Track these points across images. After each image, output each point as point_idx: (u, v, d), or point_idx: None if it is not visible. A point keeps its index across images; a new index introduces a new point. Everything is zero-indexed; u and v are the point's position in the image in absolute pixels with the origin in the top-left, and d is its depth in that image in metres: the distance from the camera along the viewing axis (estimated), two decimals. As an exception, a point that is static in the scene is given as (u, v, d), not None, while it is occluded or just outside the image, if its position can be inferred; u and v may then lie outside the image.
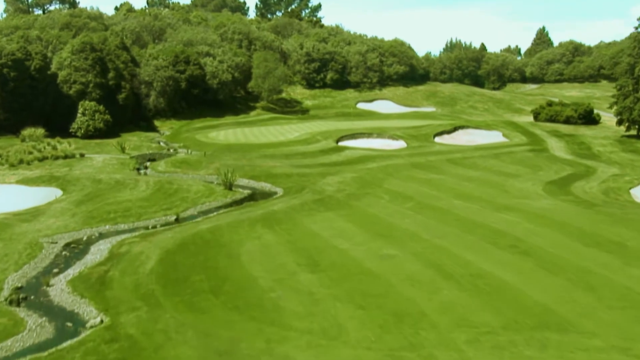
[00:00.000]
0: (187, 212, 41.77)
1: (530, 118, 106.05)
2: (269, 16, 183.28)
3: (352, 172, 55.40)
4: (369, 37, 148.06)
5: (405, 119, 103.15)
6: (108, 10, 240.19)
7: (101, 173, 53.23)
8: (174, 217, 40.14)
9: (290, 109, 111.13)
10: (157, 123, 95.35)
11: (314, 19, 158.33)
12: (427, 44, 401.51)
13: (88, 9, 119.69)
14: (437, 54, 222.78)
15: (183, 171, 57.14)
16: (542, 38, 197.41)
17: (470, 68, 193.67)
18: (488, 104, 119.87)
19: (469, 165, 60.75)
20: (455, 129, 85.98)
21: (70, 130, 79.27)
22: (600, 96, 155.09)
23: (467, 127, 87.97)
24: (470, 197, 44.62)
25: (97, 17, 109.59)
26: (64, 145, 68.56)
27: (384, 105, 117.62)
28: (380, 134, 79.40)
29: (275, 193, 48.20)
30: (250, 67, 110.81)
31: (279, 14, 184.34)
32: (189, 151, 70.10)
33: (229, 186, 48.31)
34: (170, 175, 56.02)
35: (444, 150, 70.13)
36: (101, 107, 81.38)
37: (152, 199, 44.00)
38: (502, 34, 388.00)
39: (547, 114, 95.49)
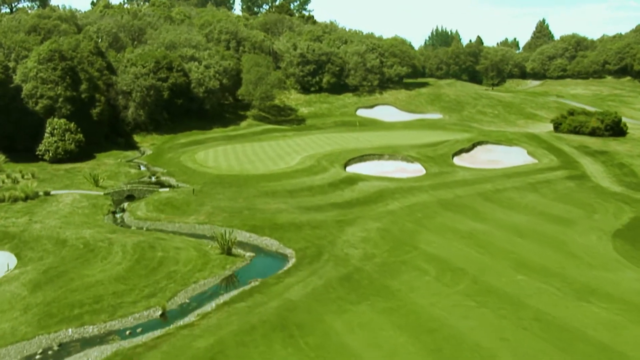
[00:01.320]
0: (176, 298, 31.99)
1: (548, 126, 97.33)
2: (255, 9, 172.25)
3: (374, 220, 45.90)
4: (364, 33, 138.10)
5: (411, 129, 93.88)
6: (84, 6, 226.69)
7: (68, 226, 43.07)
8: (160, 311, 30.37)
9: (284, 117, 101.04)
10: (136, 138, 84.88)
11: (305, 14, 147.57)
12: (408, 32, 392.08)
13: (60, 7, 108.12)
14: (422, 43, 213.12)
15: (168, 218, 47.21)
16: (542, 31, 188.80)
17: (467, 63, 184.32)
18: (497, 108, 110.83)
19: (508, 204, 51.56)
20: (473, 145, 76.75)
21: (37, 153, 68.80)
22: (608, 94, 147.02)
23: (486, 142, 78.79)
24: (534, 267, 35.44)
25: (69, 17, 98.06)
26: (27, 179, 58.03)
27: (385, 111, 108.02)
28: (392, 155, 69.89)
29: (286, 258, 38.57)
30: (239, 71, 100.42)
31: (265, 7, 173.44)
32: (175, 183, 60.03)
33: (228, 250, 38.54)
34: (153, 224, 46.15)
35: (469, 178, 60.82)
36: (72, 125, 70.85)
37: (130, 277, 34.10)
38: (485, 19, 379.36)
39: (569, 124, 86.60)
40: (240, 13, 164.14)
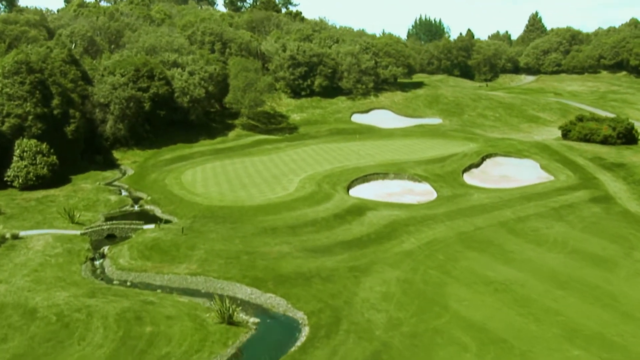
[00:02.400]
0: (170, 397, 26.16)
1: (554, 131, 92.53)
2: (239, 4, 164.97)
3: (391, 266, 40.38)
4: (355, 30, 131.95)
5: (412, 136, 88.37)
6: (57, 4, 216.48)
7: (39, 287, 36.83)
8: (150, 421, 24.50)
9: (275, 125, 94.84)
10: (116, 155, 78.22)
11: (293, 11, 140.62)
12: (391, 22, 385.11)
13: (30, 7, 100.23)
14: (406, 32, 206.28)
15: (155, 267, 41.18)
16: (535, 24, 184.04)
17: (460, 58, 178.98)
18: (498, 110, 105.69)
19: (535, 237, 46.34)
20: (482, 159, 71.43)
21: (6, 179, 62.23)
22: (605, 91, 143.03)
23: (495, 154, 73.51)
24: (589, 336, 30.37)
25: (39, 21, 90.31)
26: (-8, 215, 51.47)
27: (382, 116, 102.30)
28: (397, 173, 64.31)
29: (296, 325, 32.84)
30: (225, 76, 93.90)
31: (249, 1, 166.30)
32: (160, 214, 53.91)
33: (228, 318, 32.66)
34: (139, 276, 40.22)
35: (485, 202, 55.51)
36: (44, 146, 64.17)
37: (113, 366, 28.16)
38: (470, 8, 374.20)
39: (579, 132, 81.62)
40: (224, 9, 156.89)
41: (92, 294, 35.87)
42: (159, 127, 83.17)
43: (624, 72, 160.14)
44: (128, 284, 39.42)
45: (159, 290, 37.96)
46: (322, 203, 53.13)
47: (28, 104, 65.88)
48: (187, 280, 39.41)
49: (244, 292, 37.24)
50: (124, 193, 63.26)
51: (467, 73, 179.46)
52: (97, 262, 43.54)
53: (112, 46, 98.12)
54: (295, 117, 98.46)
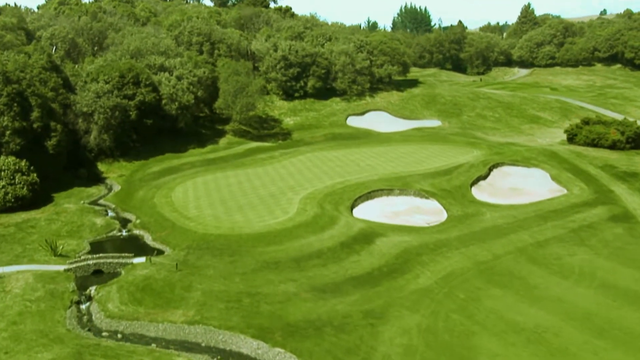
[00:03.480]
0: None
1: (557, 132, 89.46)
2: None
3: (409, 309, 36.82)
4: (347, 25, 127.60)
5: (411, 142, 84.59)
6: (36, 1, 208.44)
7: (17, 347, 32.74)
8: None
9: (267, 131, 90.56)
10: (101, 167, 73.63)
11: (282, 6, 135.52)
12: (372, 10, 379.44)
13: (8, 5, 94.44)
14: (391, 21, 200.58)
15: (149, 313, 37.20)
16: (527, 16, 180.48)
17: (452, 51, 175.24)
18: (497, 110, 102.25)
19: (559, 268, 43.07)
20: (489, 170, 67.94)
21: (-18, 201, 57.49)
22: (602, 85, 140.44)
23: (502, 164, 70.07)
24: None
25: (17, 24, 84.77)
26: (-34, 249, 46.98)
27: (378, 118, 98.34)
28: (403, 189, 60.58)
29: (312, 392, 29.15)
30: (215, 79, 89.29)
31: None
32: (151, 242, 49.80)
33: (235, 386, 28.86)
34: (130, 325, 36.29)
35: (499, 223, 52.15)
36: (23, 164, 59.63)
37: None
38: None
39: (586, 136, 78.46)
40: (210, 3, 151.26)
41: (79, 356, 31.79)
42: (146, 136, 78.53)
43: (619, 65, 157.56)
44: (119, 335, 35.50)
45: (153, 345, 34.15)
46: (327, 229, 49.26)
47: (5, 117, 61.16)
48: (185, 330, 35.49)
49: (250, 346, 33.47)
50: (110, 214, 58.94)
51: (459, 66, 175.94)
52: (83, 306, 39.47)
53: (95, 48, 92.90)
54: (288, 122, 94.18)
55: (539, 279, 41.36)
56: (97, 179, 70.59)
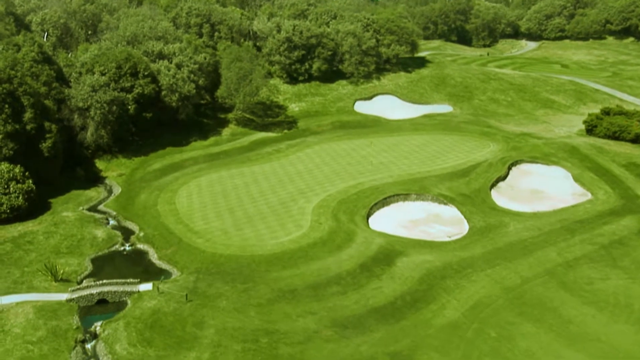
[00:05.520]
0: None
1: (574, 121, 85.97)
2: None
3: (439, 352, 34.25)
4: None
5: (423, 131, 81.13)
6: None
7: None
8: None
9: (272, 118, 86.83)
10: (99, 165, 70.20)
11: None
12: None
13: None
14: None
15: (160, 358, 34.55)
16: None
17: (457, 22, 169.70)
18: (510, 93, 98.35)
19: (594, 297, 40.52)
20: (508, 169, 64.82)
21: (-25, 212, 54.35)
22: (614, 61, 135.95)
23: (521, 161, 66.91)
24: None
25: (4, 12, 79.65)
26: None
27: (387, 103, 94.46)
28: (419, 194, 57.58)
29: None
30: (216, 64, 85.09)
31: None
32: (157, 261, 47.01)
33: None
34: (139, 372, 33.58)
35: (525, 237, 49.36)
36: (17, 170, 56.26)
37: None
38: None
39: (607, 128, 75.09)
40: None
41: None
42: (145, 129, 74.91)
43: (632, 39, 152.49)
44: (127, 386, 32.95)
45: (165, 400, 31.58)
46: (344, 248, 46.44)
47: (-4, 121, 57.43)
48: (198, 379, 32.98)
49: (269, 403, 31.00)
50: (111, 222, 55.99)
51: (464, 38, 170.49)
52: (88, 346, 36.89)
53: (89, 32, 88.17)
54: (293, 108, 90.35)
55: (572, 311, 38.79)
56: (95, 179, 67.26)
